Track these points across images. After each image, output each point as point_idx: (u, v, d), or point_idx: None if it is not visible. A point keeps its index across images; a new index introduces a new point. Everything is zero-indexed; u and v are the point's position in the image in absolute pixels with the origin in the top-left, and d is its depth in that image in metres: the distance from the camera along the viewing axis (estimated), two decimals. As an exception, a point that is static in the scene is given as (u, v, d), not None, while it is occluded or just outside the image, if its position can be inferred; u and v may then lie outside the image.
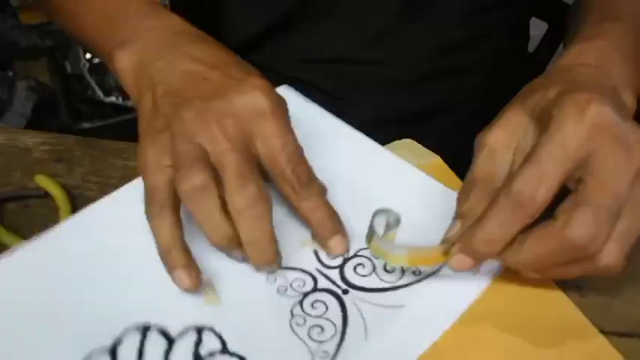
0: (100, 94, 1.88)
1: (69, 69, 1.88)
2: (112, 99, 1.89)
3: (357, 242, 0.46)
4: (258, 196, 0.40)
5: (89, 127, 1.89)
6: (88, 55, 1.85)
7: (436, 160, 0.53)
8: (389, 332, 0.40)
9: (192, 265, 0.41)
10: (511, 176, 0.39)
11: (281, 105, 0.43)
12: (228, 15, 0.67)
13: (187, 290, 0.41)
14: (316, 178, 0.44)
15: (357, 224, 0.46)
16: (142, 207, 0.42)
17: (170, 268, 0.41)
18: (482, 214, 0.39)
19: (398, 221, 0.43)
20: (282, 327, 0.41)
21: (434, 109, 0.72)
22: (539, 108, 0.41)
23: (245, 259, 0.43)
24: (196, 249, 0.42)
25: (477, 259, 0.40)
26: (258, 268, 0.43)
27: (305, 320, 0.41)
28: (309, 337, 0.40)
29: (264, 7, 0.65)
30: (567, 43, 0.51)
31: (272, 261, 0.42)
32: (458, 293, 0.42)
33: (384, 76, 0.68)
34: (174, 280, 0.41)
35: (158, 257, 0.42)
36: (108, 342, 0.39)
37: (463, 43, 0.69)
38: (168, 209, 0.41)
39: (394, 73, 0.68)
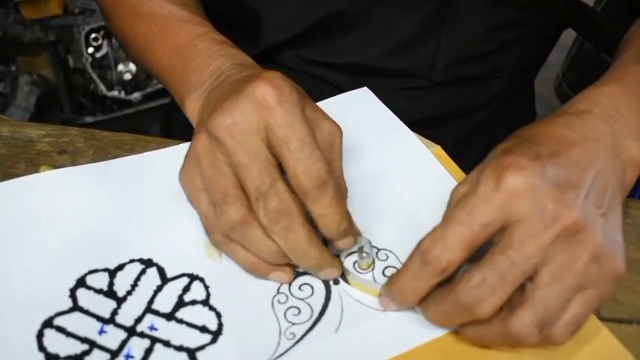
0: (102, 88, 1.89)
1: (71, 63, 1.89)
2: (115, 93, 1.90)
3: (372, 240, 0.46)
4: (279, 210, 0.39)
5: (92, 121, 1.89)
6: (91, 50, 1.85)
7: (437, 149, 0.54)
8: (360, 330, 0.41)
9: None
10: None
11: (287, 93, 0.40)
12: (261, 22, 0.68)
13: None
14: (331, 173, 0.40)
15: (376, 220, 0.47)
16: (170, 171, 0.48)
17: (265, 277, 0.43)
18: (403, 265, 0.39)
19: (370, 245, 0.45)
20: (264, 300, 0.42)
21: (453, 114, 0.72)
22: None
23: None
24: None
25: (398, 305, 0.41)
26: (315, 273, 0.43)
27: (287, 299, 0.42)
28: (285, 316, 0.41)
29: (297, 17, 0.65)
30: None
31: (317, 265, 0.41)
32: None
33: (403, 83, 0.69)
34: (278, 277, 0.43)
35: (174, 210, 0.47)
36: (112, 266, 0.43)
37: (485, 55, 0.68)
38: (231, 239, 0.42)
39: (414, 81, 0.69)
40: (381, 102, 0.59)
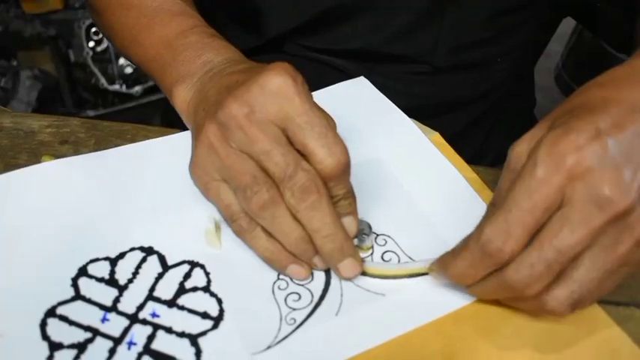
0: (103, 82, 1.89)
1: (72, 57, 1.89)
2: (116, 87, 1.90)
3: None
4: (306, 187, 0.39)
5: (94, 115, 1.90)
6: (92, 44, 1.85)
7: (435, 136, 0.54)
8: (360, 314, 0.41)
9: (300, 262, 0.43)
10: (483, 219, 0.38)
11: (301, 83, 0.41)
12: (264, 15, 0.68)
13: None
14: (349, 159, 0.41)
15: (374, 206, 0.47)
16: (171, 158, 0.50)
17: (283, 269, 0.43)
18: (457, 249, 0.39)
19: (370, 228, 0.45)
20: (265, 286, 0.42)
21: (455, 102, 0.72)
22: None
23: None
24: None
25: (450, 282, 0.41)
26: (334, 263, 0.42)
27: (287, 285, 0.42)
28: (285, 302, 0.41)
29: (299, 9, 0.66)
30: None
31: (341, 249, 0.41)
32: (443, 299, 0.42)
33: (405, 68, 0.69)
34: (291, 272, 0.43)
35: (174, 198, 0.48)
36: (113, 255, 0.44)
37: (486, 40, 0.68)
38: (260, 227, 0.42)
39: (416, 66, 0.69)
40: (378, 90, 0.59)
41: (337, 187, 0.41)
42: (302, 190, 0.39)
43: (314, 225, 0.40)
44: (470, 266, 0.38)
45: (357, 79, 0.61)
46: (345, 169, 0.41)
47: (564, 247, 0.35)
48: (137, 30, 0.57)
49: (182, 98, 0.50)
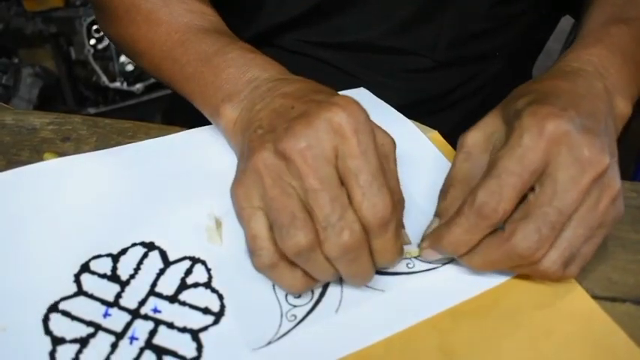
0: (104, 79, 1.89)
1: (73, 55, 1.90)
2: (117, 84, 1.90)
3: None
4: (351, 244, 0.38)
5: (95, 113, 1.90)
6: (93, 41, 1.86)
7: (434, 134, 0.55)
8: (359, 310, 0.41)
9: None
10: (476, 186, 0.40)
11: (363, 122, 0.39)
12: (263, 3, 0.67)
13: None
14: (395, 211, 0.39)
15: None
16: (177, 159, 0.51)
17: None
18: (450, 219, 0.41)
19: None
20: (266, 283, 0.42)
21: (455, 94, 0.72)
22: (511, 115, 0.43)
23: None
24: (210, 190, 0.47)
25: (444, 255, 0.43)
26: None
27: None
28: (286, 299, 0.42)
29: None
30: (575, 42, 0.52)
31: (364, 283, 0.42)
32: (441, 295, 0.42)
33: (405, 63, 0.69)
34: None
35: (175, 195, 0.48)
36: (115, 251, 0.44)
37: (487, 32, 0.68)
38: (283, 262, 0.40)
39: (416, 60, 0.68)
40: (377, 97, 0.59)
41: (376, 242, 0.39)
42: (345, 246, 0.38)
43: (350, 273, 0.40)
44: (465, 232, 0.40)
45: (357, 89, 0.60)
46: (384, 224, 0.38)
47: (564, 207, 0.38)
48: (169, 47, 0.55)
49: (229, 117, 0.48)
